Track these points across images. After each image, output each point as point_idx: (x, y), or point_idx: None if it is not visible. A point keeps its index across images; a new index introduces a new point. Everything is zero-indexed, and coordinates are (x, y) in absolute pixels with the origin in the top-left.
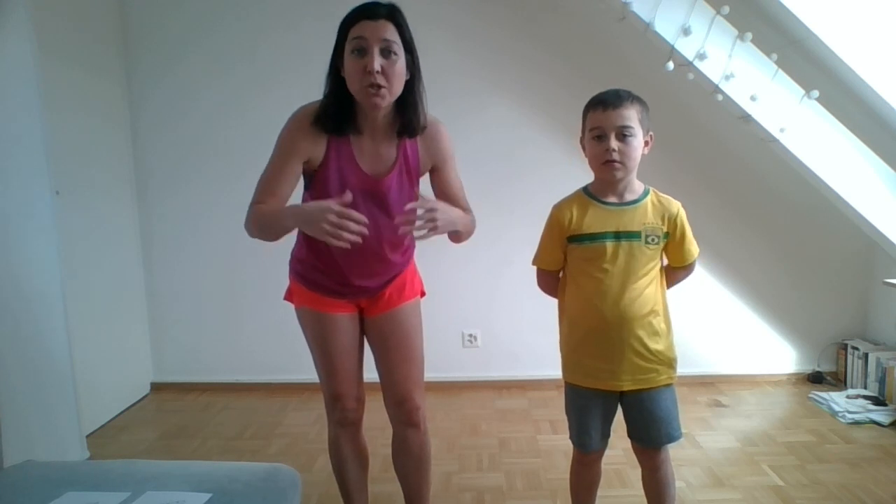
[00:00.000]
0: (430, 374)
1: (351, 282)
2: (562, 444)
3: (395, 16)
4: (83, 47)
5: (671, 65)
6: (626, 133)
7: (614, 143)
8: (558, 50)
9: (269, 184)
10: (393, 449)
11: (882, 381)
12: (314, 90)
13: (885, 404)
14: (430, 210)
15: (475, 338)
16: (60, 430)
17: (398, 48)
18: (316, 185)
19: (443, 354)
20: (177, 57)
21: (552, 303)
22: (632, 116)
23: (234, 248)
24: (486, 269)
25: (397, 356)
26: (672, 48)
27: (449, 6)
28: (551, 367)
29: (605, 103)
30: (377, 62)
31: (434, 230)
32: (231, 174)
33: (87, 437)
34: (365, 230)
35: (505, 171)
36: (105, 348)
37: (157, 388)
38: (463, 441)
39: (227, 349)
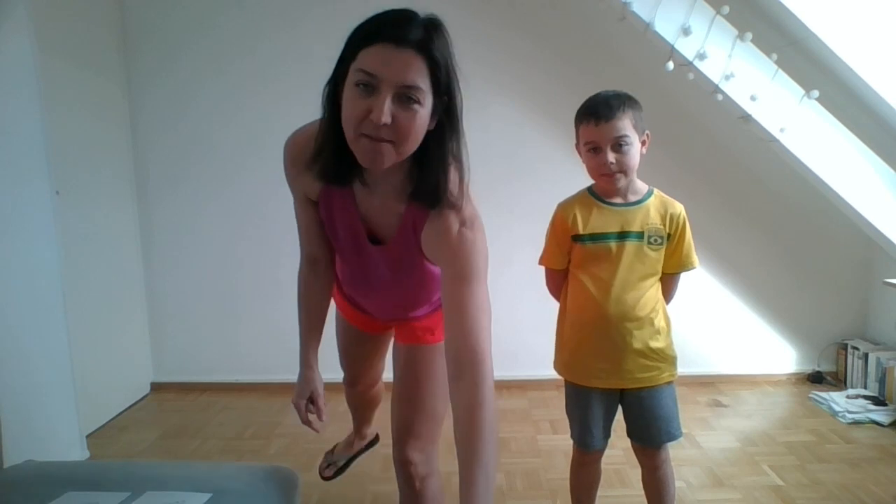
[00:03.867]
0: None
1: (374, 315)
2: (562, 444)
3: (430, 46)
4: (83, 47)
5: (671, 65)
6: (622, 143)
7: (611, 157)
8: (558, 49)
9: (301, 232)
10: None
11: (882, 381)
12: (313, 90)
13: (885, 404)
14: None
15: None
16: (60, 430)
17: (423, 94)
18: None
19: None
20: (177, 56)
21: (552, 303)
22: (625, 126)
23: (234, 248)
24: None
25: (403, 395)
26: (672, 48)
27: (449, 5)
28: (551, 367)
29: (596, 116)
30: (387, 111)
31: None
32: (231, 174)
33: (87, 437)
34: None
35: (505, 171)
36: (105, 348)
37: (157, 388)
38: None
39: (227, 349)
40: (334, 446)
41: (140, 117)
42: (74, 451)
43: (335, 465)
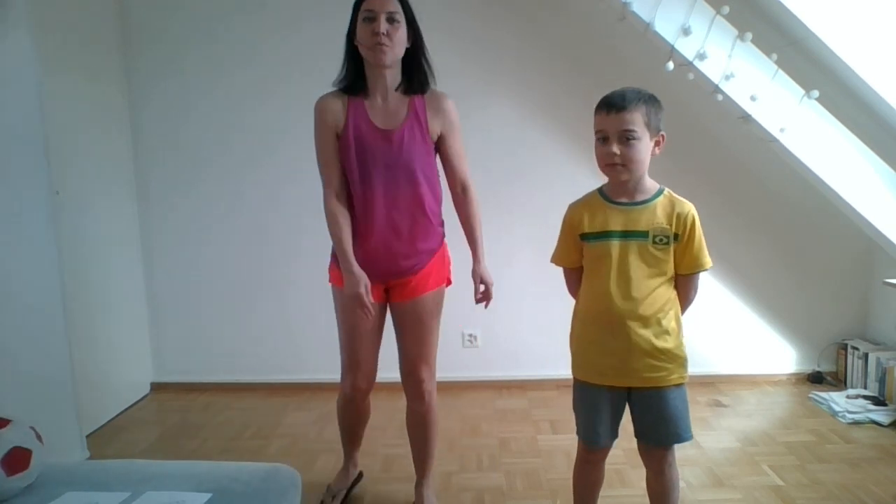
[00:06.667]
0: None
1: (378, 267)
2: (562, 444)
3: None
4: (83, 48)
5: (671, 65)
6: (629, 136)
7: (616, 148)
8: (559, 50)
9: (324, 167)
10: (406, 418)
11: (882, 381)
12: (314, 91)
13: (885, 404)
14: (487, 290)
15: (475, 338)
16: (60, 430)
17: (400, 17)
18: (340, 145)
19: (443, 354)
20: (177, 57)
21: (552, 303)
22: (635, 120)
23: (234, 248)
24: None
25: (413, 339)
26: (672, 48)
27: (449, 5)
28: (551, 367)
29: (608, 106)
30: (383, 26)
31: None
32: (231, 174)
33: (87, 437)
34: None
35: (505, 172)
36: (105, 348)
37: (157, 388)
38: (463, 441)
39: (227, 349)
40: (332, 482)
41: (140, 118)
42: (74, 451)
43: (339, 497)
